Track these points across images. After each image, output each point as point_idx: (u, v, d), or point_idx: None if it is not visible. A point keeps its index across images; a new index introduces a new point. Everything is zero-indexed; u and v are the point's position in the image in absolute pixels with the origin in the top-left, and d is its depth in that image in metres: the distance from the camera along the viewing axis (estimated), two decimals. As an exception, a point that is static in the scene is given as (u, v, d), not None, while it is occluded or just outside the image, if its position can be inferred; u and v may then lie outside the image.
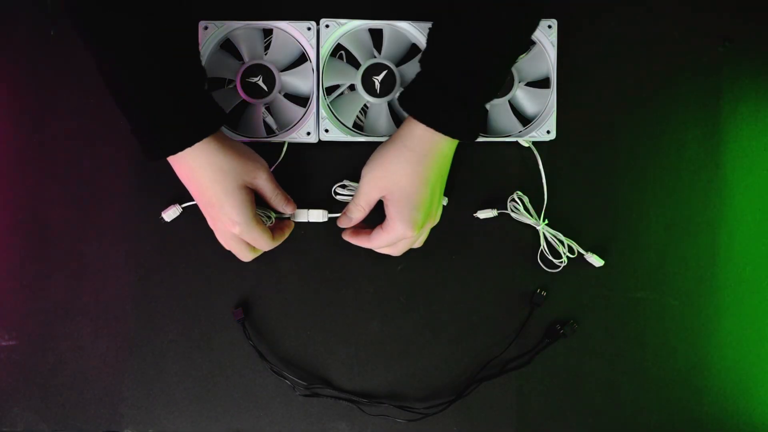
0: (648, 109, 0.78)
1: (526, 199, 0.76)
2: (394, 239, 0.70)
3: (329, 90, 0.76)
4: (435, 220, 0.71)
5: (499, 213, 0.77)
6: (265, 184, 0.70)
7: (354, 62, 0.76)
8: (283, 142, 0.76)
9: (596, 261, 0.77)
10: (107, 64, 0.63)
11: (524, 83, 0.76)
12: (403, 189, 0.67)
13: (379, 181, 0.68)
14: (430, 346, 0.78)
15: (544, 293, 0.77)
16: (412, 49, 0.77)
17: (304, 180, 0.78)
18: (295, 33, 0.75)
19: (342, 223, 0.74)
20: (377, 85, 0.75)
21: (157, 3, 0.62)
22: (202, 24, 0.75)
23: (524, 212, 0.76)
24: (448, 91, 0.64)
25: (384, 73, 0.75)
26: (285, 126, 0.76)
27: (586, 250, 0.77)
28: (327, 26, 0.75)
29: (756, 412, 0.78)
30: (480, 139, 0.76)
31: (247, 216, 0.68)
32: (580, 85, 0.76)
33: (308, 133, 0.75)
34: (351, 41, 0.76)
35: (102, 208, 0.78)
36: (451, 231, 0.78)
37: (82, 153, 0.78)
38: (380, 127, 0.76)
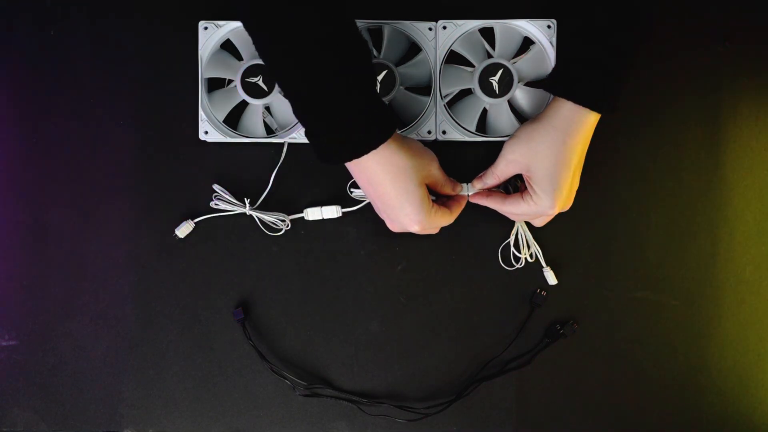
0: (648, 109, 0.78)
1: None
2: (533, 213, 0.71)
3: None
4: (570, 202, 0.72)
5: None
6: (437, 174, 0.71)
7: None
8: (283, 142, 0.76)
9: (551, 278, 0.77)
10: (287, 65, 0.62)
11: (524, 83, 0.76)
12: (547, 168, 0.68)
13: (521, 158, 0.70)
14: (430, 346, 0.78)
15: (544, 293, 0.77)
16: (412, 49, 0.77)
17: (304, 180, 0.78)
18: (295, 33, 0.75)
19: (474, 184, 0.74)
20: (377, 85, 0.75)
21: (338, 1, 0.62)
22: (202, 24, 0.75)
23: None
24: (594, 67, 0.67)
25: (384, 73, 0.75)
26: (285, 126, 0.76)
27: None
28: (327, 26, 0.75)
29: (756, 412, 0.78)
30: (479, 139, 0.76)
31: (427, 212, 0.68)
32: (580, 85, 0.76)
33: (308, 133, 0.75)
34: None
35: (102, 208, 0.78)
36: (452, 231, 0.78)
37: (82, 153, 0.78)
38: (380, 127, 0.76)
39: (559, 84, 0.69)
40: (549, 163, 0.68)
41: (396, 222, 0.70)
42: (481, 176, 0.74)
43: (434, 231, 0.73)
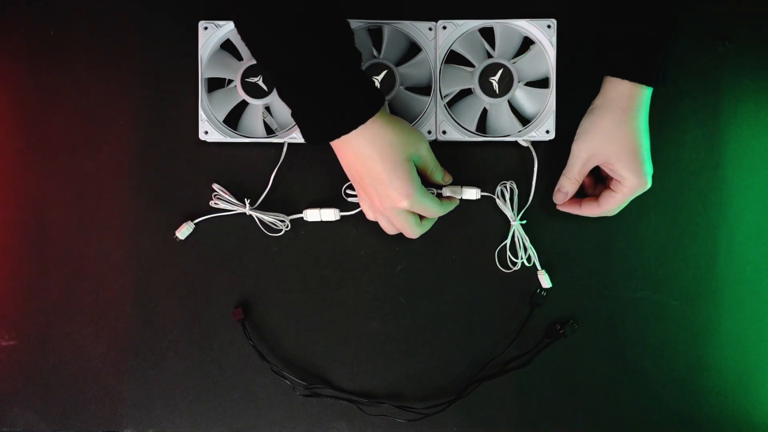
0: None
1: (516, 192, 0.76)
2: (629, 197, 0.71)
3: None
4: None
5: (482, 196, 0.77)
6: (427, 154, 0.70)
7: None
8: (283, 142, 0.76)
9: (546, 282, 0.77)
10: (269, 43, 0.63)
11: (524, 83, 0.76)
12: (627, 147, 0.69)
13: (597, 151, 0.70)
14: (430, 346, 0.78)
15: (544, 293, 0.77)
16: (412, 49, 0.77)
17: (304, 180, 0.78)
18: (295, 33, 0.75)
19: (557, 199, 0.75)
20: (377, 85, 0.75)
21: None
22: (202, 24, 0.75)
23: (507, 203, 0.76)
24: (646, 44, 0.68)
25: (384, 73, 0.75)
26: (285, 126, 0.76)
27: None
28: (327, 26, 0.75)
29: (756, 412, 0.78)
30: (479, 139, 0.76)
31: (417, 185, 0.68)
32: (580, 85, 0.76)
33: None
34: (351, 41, 0.76)
35: (102, 208, 0.78)
36: (452, 231, 0.78)
37: (82, 153, 0.78)
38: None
39: (613, 63, 0.70)
40: (626, 142, 0.69)
41: (384, 199, 0.68)
42: (558, 189, 0.75)
43: (417, 229, 0.71)
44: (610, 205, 0.72)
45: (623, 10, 0.69)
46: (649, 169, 0.71)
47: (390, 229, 0.72)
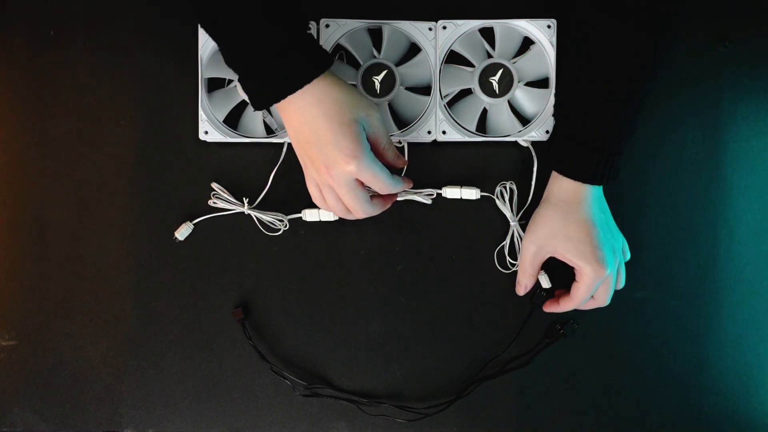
0: (647, 109, 0.78)
1: (515, 193, 0.76)
2: (592, 285, 0.70)
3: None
4: (625, 254, 0.74)
5: (481, 196, 0.77)
6: (378, 124, 0.67)
7: (354, 62, 0.76)
8: (283, 142, 0.76)
9: (545, 282, 0.77)
10: (215, 9, 0.62)
11: (523, 83, 0.76)
12: (574, 237, 0.70)
13: (543, 243, 0.72)
14: (430, 346, 0.78)
15: (544, 293, 0.77)
16: (412, 49, 0.77)
17: (304, 180, 0.78)
18: (295, 33, 0.75)
19: (519, 292, 0.76)
20: (377, 85, 0.75)
21: None
22: (202, 24, 0.75)
23: (507, 203, 0.76)
24: (586, 146, 0.69)
25: (384, 73, 0.75)
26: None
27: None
28: (327, 26, 0.75)
29: (756, 412, 0.78)
30: (479, 139, 0.76)
31: (365, 148, 0.65)
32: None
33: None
34: (350, 41, 0.76)
35: (102, 208, 0.78)
36: (452, 231, 0.78)
37: (82, 153, 0.78)
38: (380, 127, 0.76)
39: (554, 158, 0.71)
40: (573, 233, 0.70)
41: (331, 164, 0.64)
42: (517, 282, 0.75)
43: (368, 206, 0.68)
44: (578, 295, 0.71)
45: (572, 102, 0.70)
46: (605, 255, 0.70)
47: (338, 208, 0.69)
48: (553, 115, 0.74)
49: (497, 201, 0.77)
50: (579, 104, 0.69)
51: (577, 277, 0.72)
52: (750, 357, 0.78)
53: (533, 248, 0.72)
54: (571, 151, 0.69)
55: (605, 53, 0.67)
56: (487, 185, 0.77)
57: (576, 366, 0.78)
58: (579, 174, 0.69)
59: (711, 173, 0.78)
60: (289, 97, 0.64)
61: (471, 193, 0.76)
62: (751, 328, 0.78)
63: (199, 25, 0.75)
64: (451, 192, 0.76)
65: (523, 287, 0.75)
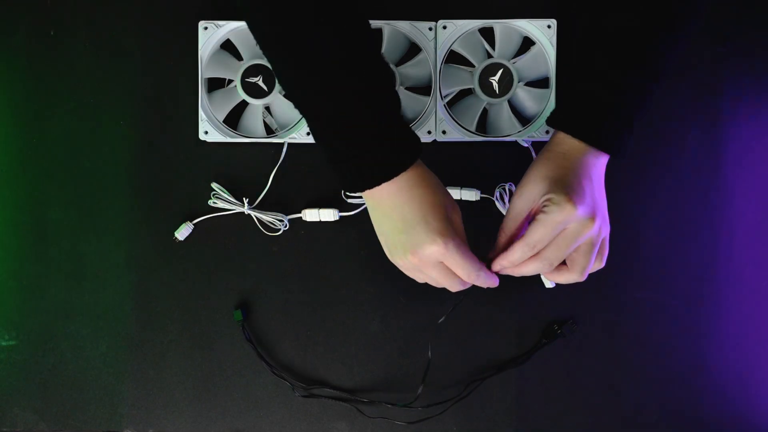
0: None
1: None
2: (553, 225, 0.61)
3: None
4: (606, 225, 0.65)
5: (481, 197, 0.77)
6: (458, 225, 0.64)
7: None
8: (283, 142, 0.76)
9: (547, 282, 0.76)
10: (311, 87, 0.59)
11: (524, 83, 0.76)
12: (562, 178, 0.62)
13: (529, 191, 0.63)
14: (430, 346, 0.78)
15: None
16: (412, 49, 0.77)
17: (304, 180, 0.78)
18: (295, 33, 0.75)
19: (501, 241, 0.66)
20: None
21: (357, 16, 0.59)
22: (202, 24, 0.75)
23: (506, 205, 0.76)
24: (599, 101, 0.63)
25: (384, 73, 0.75)
26: (285, 126, 0.76)
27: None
28: (327, 26, 0.75)
29: (756, 412, 0.78)
30: (479, 139, 0.76)
31: (452, 231, 0.61)
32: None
33: (308, 133, 0.75)
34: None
35: (102, 208, 0.78)
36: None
37: (82, 153, 0.78)
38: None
39: (558, 119, 0.65)
40: (563, 174, 0.62)
41: (418, 248, 0.61)
42: (500, 235, 0.66)
43: (457, 283, 0.64)
44: (534, 233, 0.61)
45: (582, 64, 0.65)
46: (584, 200, 0.61)
47: (434, 282, 0.65)
48: (564, 77, 0.68)
49: (497, 203, 0.77)
50: (591, 63, 0.64)
51: (538, 217, 0.62)
52: (750, 357, 0.78)
53: (530, 190, 0.63)
54: (581, 106, 0.64)
55: (619, 10, 0.63)
56: (487, 185, 0.77)
57: (576, 366, 0.78)
58: (587, 131, 0.63)
59: (711, 173, 0.78)
60: (385, 184, 0.60)
61: (471, 195, 0.76)
62: (751, 328, 0.78)
63: (199, 24, 0.75)
64: (451, 193, 0.76)
65: (505, 234, 0.65)
